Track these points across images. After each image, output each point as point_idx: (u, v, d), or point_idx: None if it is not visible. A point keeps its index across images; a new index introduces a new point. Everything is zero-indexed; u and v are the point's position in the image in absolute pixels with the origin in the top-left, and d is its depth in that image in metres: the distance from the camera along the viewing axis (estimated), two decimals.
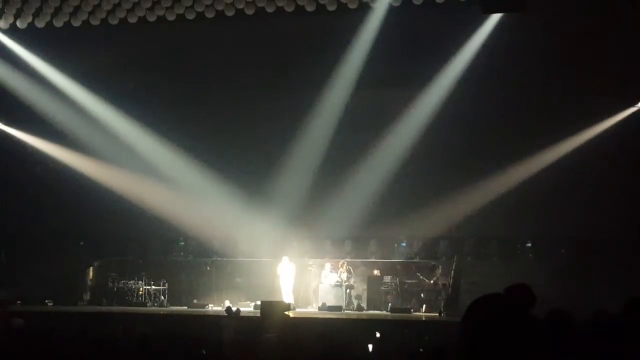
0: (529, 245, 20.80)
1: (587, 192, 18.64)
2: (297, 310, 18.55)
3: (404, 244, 21.37)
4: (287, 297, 18.79)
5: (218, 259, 20.85)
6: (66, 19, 18.28)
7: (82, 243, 22.29)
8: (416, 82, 19.69)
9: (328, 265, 19.54)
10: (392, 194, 19.97)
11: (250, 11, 17.49)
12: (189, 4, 17.62)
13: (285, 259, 19.51)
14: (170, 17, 18.00)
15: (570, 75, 18.41)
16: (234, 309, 15.68)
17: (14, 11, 18.26)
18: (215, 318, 15.52)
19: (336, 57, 19.47)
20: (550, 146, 19.37)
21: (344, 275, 19.28)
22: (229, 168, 20.50)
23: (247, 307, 18.73)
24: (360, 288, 19.56)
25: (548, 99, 18.88)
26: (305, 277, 20.31)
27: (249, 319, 15.55)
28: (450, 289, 18.59)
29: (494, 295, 2.63)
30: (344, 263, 19.53)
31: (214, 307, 18.99)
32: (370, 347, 10.31)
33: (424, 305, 18.98)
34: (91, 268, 21.33)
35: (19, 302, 19.28)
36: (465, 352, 2.52)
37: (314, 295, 19.82)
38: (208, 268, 20.81)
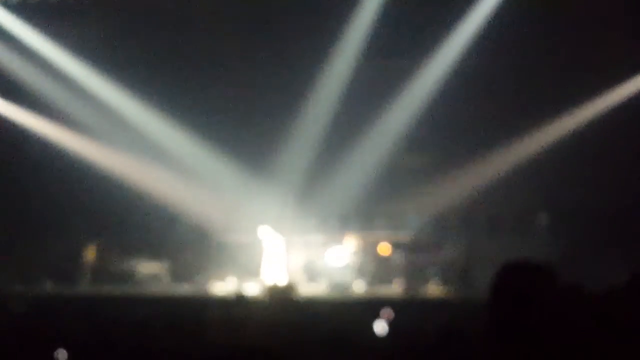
0: (543, 218, 20.52)
1: (603, 164, 18.29)
2: (304, 289, 18.28)
3: (414, 219, 21.10)
4: (276, 275, 18.62)
5: (221, 237, 20.56)
6: None
7: (81, 222, 22.03)
8: (424, 50, 19.37)
9: (347, 241, 19.25)
10: (401, 168, 19.75)
11: None
12: None
13: (265, 228, 19.19)
14: None
15: (587, 41, 18.04)
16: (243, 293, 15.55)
17: None
18: (218, 298, 15.25)
19: (341, 25, 19.19)
20: (565, 116, 19.12)
21: (352, 247, 19.02)
22: (230, 143, 20.22)
23: (252, 287, 18.53)
24: (369, 265, 19.17)
25: (562, 67, 18.44)
26: (311, 254, 20.08)
27: (254, 300, 15.36)
28: (461, 264, 18.44)
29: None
30: (353, 237, 19.30)
31: (216, 286, 18.66)
32: (382, 325, 10.08)
33: (434, 281, 18.73)
34: (91, 248, 21.08)
35: (17, 283, 19.06)
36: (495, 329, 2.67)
37: (321, 273, 19.56)
38: (212, 247, 20.56)
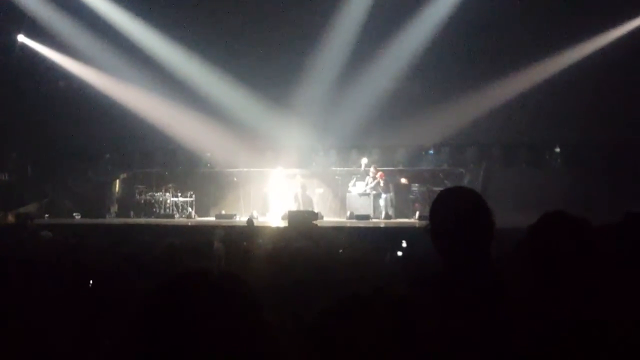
0: (558, 150, 20.49)
1: (616, 95, 18.01)
2: (325, 219, 18.53)
3: (432, 152, 21.19)
4: (281, 209, 18.92)
5: (244, 170, 20.81)
6: None
7: (108, 156, 22.31)
8: None
9: (371, 171, 19.37)
10: (418, 100, 19.61)
11: None
12: None
13: (279, 169, 19.76)
14: None
15: None
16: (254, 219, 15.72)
17: None
18: (238, 226, 15.43)
19: None
20: (577, 44, 18.82)
21: (374, 179, 19.15)
22: (251, 77, 20.22)
23: (274, 217, 18.84)
24: (384, 196, 19.35)
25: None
26: (333, 186, 20.34)
27: (272, 227, 15.55)
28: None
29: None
30: (382, 173, 19.34)
31: (241, 218, 18.95)
32: (399, 253, 10.21)
33: None
34: (118, 181, 21.40)
35: (46, 215, 19.45)
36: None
37: (342, 205, 19.82)
38: (235, 179, 20.82)
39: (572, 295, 2.67)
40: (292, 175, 20.08)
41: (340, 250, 7.26)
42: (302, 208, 18.89)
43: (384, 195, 19.06)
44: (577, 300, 2.65)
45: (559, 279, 2.79)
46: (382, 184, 19.08)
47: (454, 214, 2.69)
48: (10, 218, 17.58)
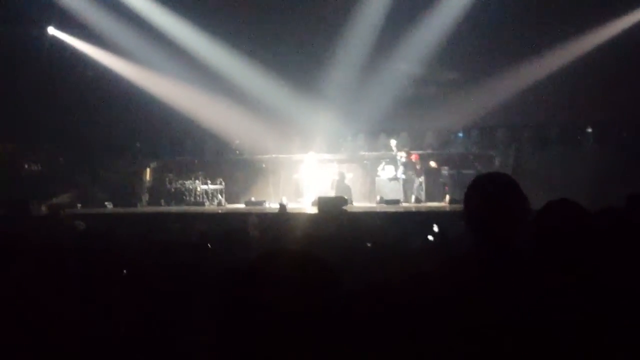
0: (590, 130, 20.22)
1: None
2: (355, 204, 18.49)
3: (461, 135, 21.03)
4: (311, 195, 18.81)
5: (273, 156, 20.84)
6: None
7: (138, 145, 22.42)
8: None
9: (400, 155, 19.24)
10: (446, 83, 19.48)
11: None
12: None
13: (311, 154, 19.64)
14: None
15: None
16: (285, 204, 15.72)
17: None
18: (268, 213, 15.45)
19: None
20: (609, 22, 18.52)
21: (403, 163, 19.01)
22: (279, 63, 20.21)
23: (304, 203, 18.82)
24: (418, 180, 19.27)
25: None
26: (362, 171, 20.30)
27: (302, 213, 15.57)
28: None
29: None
30: (416, 155, 19.20)
31: (270, 205, 18.96)
32: (430, 238, 10.16)
33: None
34: (148, 169, 21.51)
35: (79, 205, 19.60)
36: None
37: (371, 190, 19.76)
38: (264, 165, 20.85)
39: (571, 280, 2.65)
40: (323, 160, 20.06)
41: (369, 244, 7.24)
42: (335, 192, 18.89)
43: (416, 179, 18.96)
44: (575, 285, 2.64)
45: (560, 264, 2.79)
46: (417, 167, 18.95)
47: (489, 200, 2.67)
48: (44, 209, 17.74)
